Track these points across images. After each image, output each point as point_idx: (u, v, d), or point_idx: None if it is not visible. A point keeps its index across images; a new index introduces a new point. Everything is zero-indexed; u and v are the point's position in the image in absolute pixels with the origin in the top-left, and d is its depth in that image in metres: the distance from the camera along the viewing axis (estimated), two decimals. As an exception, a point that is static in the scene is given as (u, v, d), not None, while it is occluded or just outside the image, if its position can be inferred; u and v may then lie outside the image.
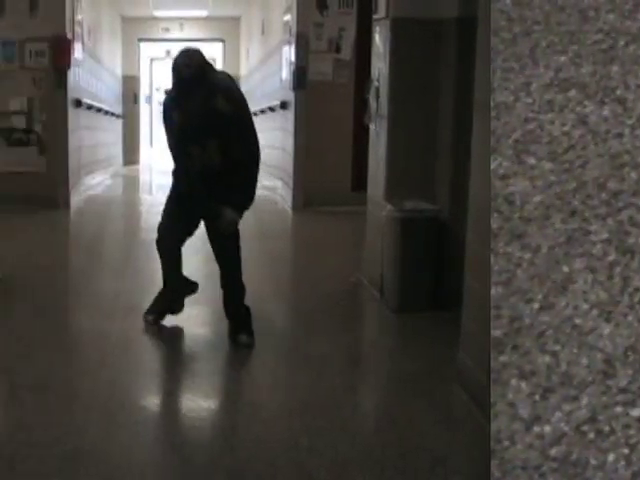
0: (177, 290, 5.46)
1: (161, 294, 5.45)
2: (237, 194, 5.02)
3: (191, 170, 5.00)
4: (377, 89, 6.30)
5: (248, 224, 10.28)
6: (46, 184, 10.78)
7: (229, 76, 5.11)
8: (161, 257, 5.30)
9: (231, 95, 4.92)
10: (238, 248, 5.19)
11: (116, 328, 5.44)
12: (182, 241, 5.26)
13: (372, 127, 6.53)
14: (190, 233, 5.26)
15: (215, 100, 4.81)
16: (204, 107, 4.82)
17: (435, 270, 5.83)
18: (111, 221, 11.00)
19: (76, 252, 8.71)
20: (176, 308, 5.47)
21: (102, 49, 15.83)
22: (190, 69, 4.79)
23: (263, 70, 15.38)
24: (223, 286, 5.24)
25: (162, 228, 5.26)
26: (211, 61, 5.05)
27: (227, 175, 4.95)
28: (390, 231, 5.87)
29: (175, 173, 5.20)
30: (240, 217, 5.08)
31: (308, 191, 10.93)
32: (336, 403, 4.24)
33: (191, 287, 5.55)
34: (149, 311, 5.46)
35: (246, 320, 5.16)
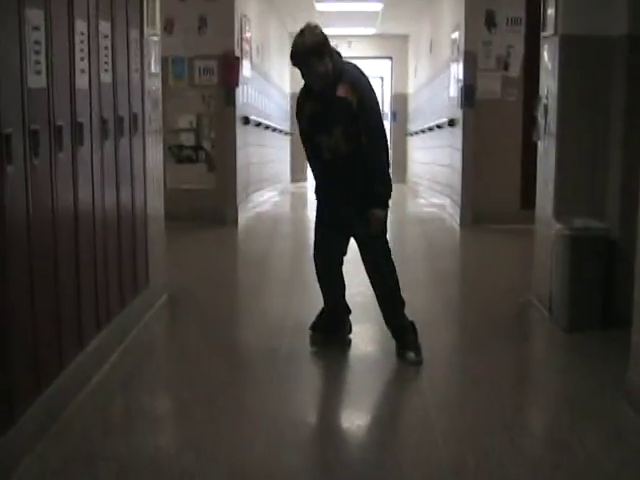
0: (337, 314, 5.48)
1: (324, 313, 5.48)
2: (373, 188, 4.97)
3: (320, 164, 5.07)
4: (546, 106, 6.25)
5: (416, 242, 10.34)
6: (214, 201, 11.07)
7: (357, 67, 5.08)
8: (320, 282, 5.35)
9: (356, 83, 4.93)
10: (391, 263, 5.18)
11: (284, 346, 5.51)
12: (340, 263, 5.30)
13: (540, 144, 6.47)
14: (344, 252, 5.28)
15: (339, 87, 4.88)
16: (329, 94, 4.90)
17: (605, 288, 5.72)
18: (278, 238, 11.18)
19: (244, 269, 8.90)
20: (344, 328, 5.53)
21: (270, 66, 16.11)
22: (302, 38, 4.87)
23: (431, 88, 15.40)
24: (381, 305, 5.26)
25: (317, 257, 5.29)
26: (338, 49, 5.08)
27: (357, 168, 4.96)
28: (559, 249, 5.80)
29: (316, 189, 5.28)
30: (386, 212, 5.04)
31: (476, 209, 10.88)
32: (505, 423, 4.21)
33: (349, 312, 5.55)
34: (315, 329, 5.49)
35: (413, 337, 5.17)
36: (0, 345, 3.53)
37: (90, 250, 4.76)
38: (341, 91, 4.89)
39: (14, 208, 3.66)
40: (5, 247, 3.55)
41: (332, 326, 5.47)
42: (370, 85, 5.06)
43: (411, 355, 5.08)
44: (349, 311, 5.50)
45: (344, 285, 5.38)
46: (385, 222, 5.07)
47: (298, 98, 5.20)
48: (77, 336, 4.54)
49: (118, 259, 5.35)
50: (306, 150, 5.24)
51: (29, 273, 3.83)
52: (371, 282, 5.24)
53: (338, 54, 5.03)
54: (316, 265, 5.31)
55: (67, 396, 4.29)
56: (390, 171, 5.12)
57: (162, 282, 6.62)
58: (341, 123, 4.93)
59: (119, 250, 5.37)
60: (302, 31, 4.92)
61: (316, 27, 4.98)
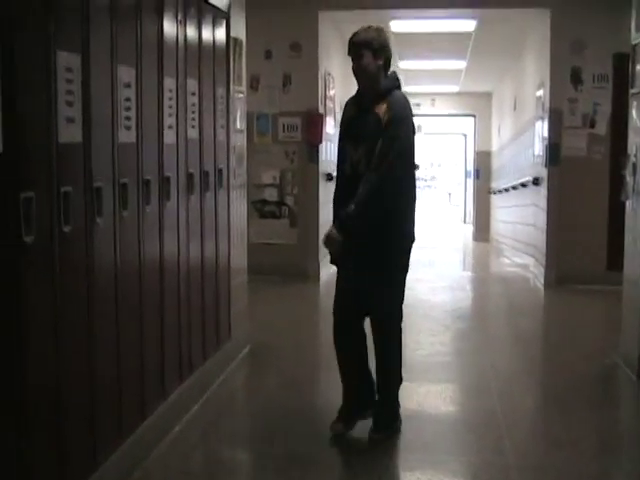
0: (353, 387, 4.95)
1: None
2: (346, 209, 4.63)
3: (342, 177, 4.89)
4: (634, 165, 6.16)
5: (499, 301, 10.24)
6: (296, 256, 11.08)
7: (405, 97, 4.88)
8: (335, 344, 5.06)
9: (393, 105, 4.73)
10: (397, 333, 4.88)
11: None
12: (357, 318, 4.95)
13: (629, 204, 6.38)
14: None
15: (380, 104, 4.72)
16: (370, 107, 4.76)
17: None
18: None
19: (324, 325, 8.79)
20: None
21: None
22: (366, 30, 4.74)
23: (515, 146, 15.33)
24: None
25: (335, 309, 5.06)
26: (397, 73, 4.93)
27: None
28: (647, 311, 5.69)
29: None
30: (339, 235, 4.63)
31: (561, 269, 10.72)
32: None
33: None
34: (340, 412, 4.97)
35: (381, 412, 4.82)
36: (86, 394, 3.58)
37: (174, 302, 4.82)
38: (379, 108, 4.73)
39: (102, 259, 3.73)
40: (92, 297, 3.62)
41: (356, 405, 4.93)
42: (408, 114, 4.81)
43: (371, 428, 4.78)
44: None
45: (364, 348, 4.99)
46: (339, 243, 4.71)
47: (347, 100, 5.06)
48: (160, 387, 4.58)
49: (201, 312, 5.39)
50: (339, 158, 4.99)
51: (115, 323, 3.89)
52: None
53: (397, 79, 4.87)
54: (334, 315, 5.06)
55: (149, 445, 4.33)
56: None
57: (244, 335, 6.65)
58: (368, 140, 4.74)
59: (203, 303, 5.42)
60: (370, 26, 4.82)
61: (384, 31, 4.87)
